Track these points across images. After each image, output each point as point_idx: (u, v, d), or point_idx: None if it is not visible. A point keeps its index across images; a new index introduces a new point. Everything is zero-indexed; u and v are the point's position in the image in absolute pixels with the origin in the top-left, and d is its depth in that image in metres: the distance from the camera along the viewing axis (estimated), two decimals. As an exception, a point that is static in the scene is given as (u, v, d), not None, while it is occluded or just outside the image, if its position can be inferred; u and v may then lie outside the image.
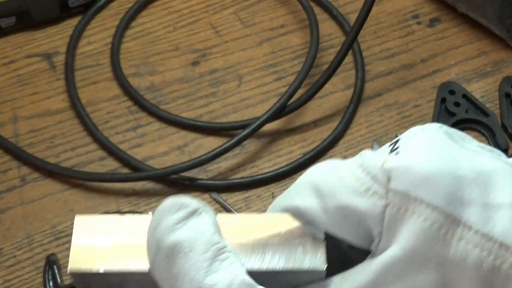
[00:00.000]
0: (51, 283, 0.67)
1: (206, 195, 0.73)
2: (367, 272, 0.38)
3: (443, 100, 0.78)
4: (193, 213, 0.39)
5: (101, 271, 0.41)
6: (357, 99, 0.79)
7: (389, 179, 0.37)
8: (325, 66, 0.78)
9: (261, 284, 0.38)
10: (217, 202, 0.73)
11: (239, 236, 0.41)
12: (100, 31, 0.86)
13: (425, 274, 0.35)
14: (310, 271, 0.40)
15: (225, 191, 0.74)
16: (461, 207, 0.35)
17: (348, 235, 0.39)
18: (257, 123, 0.75)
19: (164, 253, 0.38)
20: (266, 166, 0.75)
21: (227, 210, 0.72)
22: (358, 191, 0.39)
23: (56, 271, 0.67)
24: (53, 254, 0.69)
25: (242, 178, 0.74)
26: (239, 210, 0.72)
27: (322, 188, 0.41)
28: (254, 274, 0.39)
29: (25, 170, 0.75)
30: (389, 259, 0.36)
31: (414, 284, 0.35)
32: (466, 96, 0.78)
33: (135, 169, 0.75)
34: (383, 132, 0.77)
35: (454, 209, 0.35)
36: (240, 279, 0.37)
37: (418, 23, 0.85)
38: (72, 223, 0.72)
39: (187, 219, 0.39)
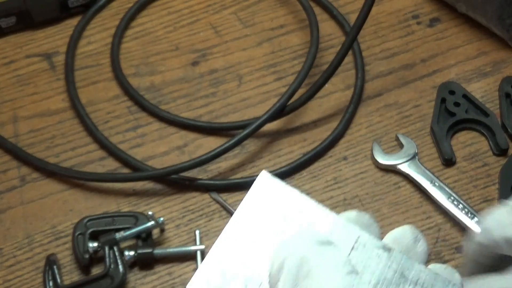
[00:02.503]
0: (51, 283, 0.67)
1: (206, 195, 0.73)
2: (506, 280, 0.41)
3: (443, 100, 0.78)
4: None
5: None
6: (357, 99, 0.79)
7: None
8: (325, 66, 0.78)
9: None
10: (217, 202, 0.73)
11: None
12: (100, 31, 0.86)
13: None
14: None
15: (225, 191, 0.74)
16: None
17: None
18: (257, 123, 0.75)
19: None
20: (266, 166, 0.75)
21: (227, 210, 0.72)
22: None
23: (56, 271, 0.67)
24: (53, 254, 0.69)
25: (242, 178, 0.74)
26: (239, 210, 0.72)
27: None
28: None
29: (25, 170, 0.75)
30: None
31: None
32: (466, 96, 0.78)
33: (135, 169, 0.75)
34: (383, 132, 0.77)
35: None
36: None
37: (418, 23, 0.85)
38: (72, 223, 0.72)
39: None
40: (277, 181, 0.45)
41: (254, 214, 0.44)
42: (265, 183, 0.45)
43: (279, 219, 0.44)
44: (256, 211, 0.45)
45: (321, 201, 0.72)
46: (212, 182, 0.74)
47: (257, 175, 0.74)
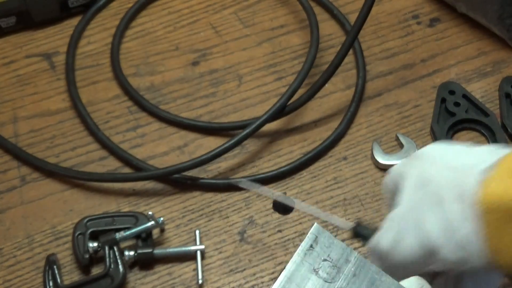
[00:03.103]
0: (51, 283, 0.67)
1: (207, 195, 0.73)
2: None
3: (443, 100, 0.78)
4: None
5: None
6: (359, 98, 0.79)
7: None
8: (325, 66, 0.78)
9: None
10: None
11: None
12: (100, 31, 0.86)
13: None
14: None
15: (225, 191, 0.74)
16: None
17: None
18: (257, 123, 0.75)
19: None
20: (266, 166, 0.75)
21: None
22: None
23: (56, 271, 0.67)
24: (53, 254, 0.69)
25: (242, 178, 0.74)
26: (239, 210, 0.72)
27: None
28: None
29: (25, 170, 0.75)
30: None
31: None
32: (466, 96, 0.78)
33: (136, 168, 0.75)
34: (383, 132, 0.77)
35: None
36: None
37: (418, 23, 0.85)
38: (72, 223, 0.72)
39: None
40: (327, 234, 0.51)
41: (306, 262, 0.50)
42: (317, 233, 0.51)
43: (328, 267, 0.49)
44: (307, 258, 0.50)
45: (321, 201, 0.73)
46: (212, 181, 0.74)
47: (257, 175, 0.74)
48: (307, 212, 0.70)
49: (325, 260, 0.50)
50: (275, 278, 0.68)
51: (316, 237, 0.50)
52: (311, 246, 0.50)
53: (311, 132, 0.78)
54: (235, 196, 0.73)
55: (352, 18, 0.82)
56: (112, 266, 0.67)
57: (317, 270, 0.49)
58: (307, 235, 0.50)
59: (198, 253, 0.69)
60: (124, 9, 0.87)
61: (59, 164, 0.75)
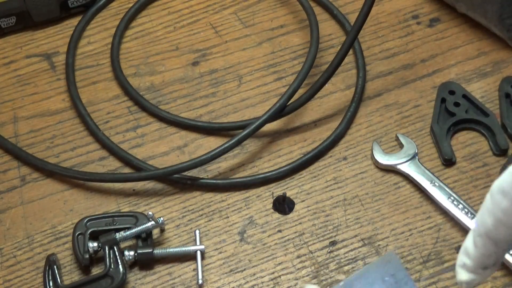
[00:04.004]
0: (51, 283, 0.67)
1: (206, 195, 0.74)
2: None
3: (443, 100, 0.78)
4: None
5: None
6: (359, 99, 0.79)
7: None
8: (325, 66, 0.78)
9: None
10: None
11: None
12: (100, 31, 0.86)
13: None
14: None
15: (225, 191, 0.74)
16: None
17: None
18: (257, 123, 0.75)
19: None
20: (266, 166, 0.75)
21: None
22: None
23: (56, 271, 0.67)
24: (53, 254, 0.69)
25: (242, 178, 0.74)
26: (239, 210, 0.72)
27: None
28: None
29: (25, 170, 0.75)
30: None
31: None
32: (466, 96, 0.78)
33: (136, 168, 0.75)
34: (383, 132, 0.77)
35: None
36: None
37: (418, 23, 0.85)
38: (72, 223, 0.73)
39: None
40: (397, 259, 0.65)
41: (378, 272, 0.64)
42: (390, 256, 0.64)
43: (392, 282, 0.63)
44: (379, 270, 0.64)
45: (321, 201, 0.73)
46: (212, 181, 0.74)
47: (257, 175, 0.74)
48: None
49: (392, 275, 0.63)
50: (275, 278, 0.69)
51: (390, 258, 0.64)
52: (385, 263, 0.64)
53: (311, 132, 0.78)
54: (235, 196, 0.73)
55: (352, 18, 0.82)
56: (112, 266, 0.67)
57: (383, 280, 0.63)
58: (384, 255, 0.66)
59: (198, 253, 0.69)
60: (124, 9, 0.87)
61: (59, 164, 0.75)
